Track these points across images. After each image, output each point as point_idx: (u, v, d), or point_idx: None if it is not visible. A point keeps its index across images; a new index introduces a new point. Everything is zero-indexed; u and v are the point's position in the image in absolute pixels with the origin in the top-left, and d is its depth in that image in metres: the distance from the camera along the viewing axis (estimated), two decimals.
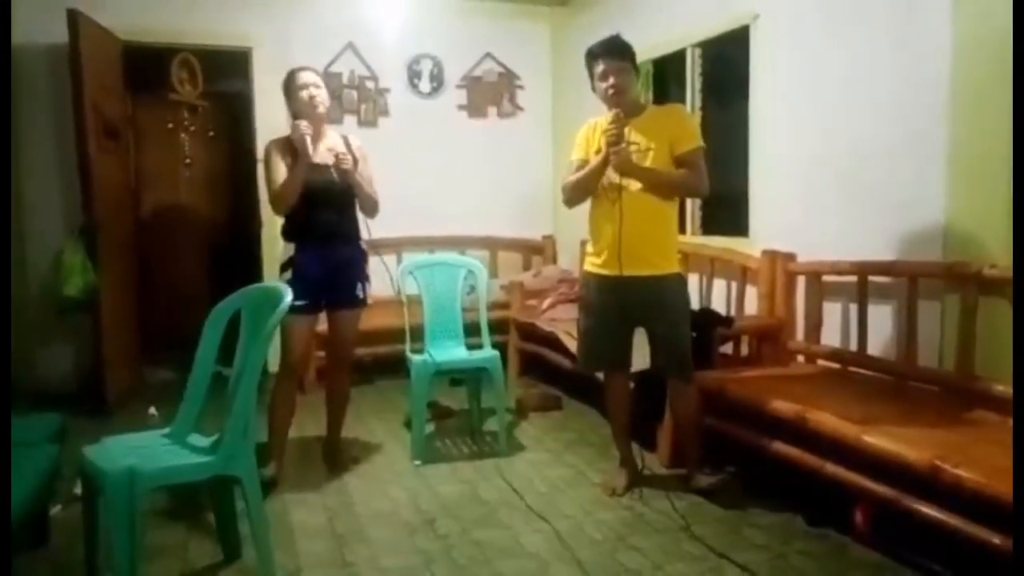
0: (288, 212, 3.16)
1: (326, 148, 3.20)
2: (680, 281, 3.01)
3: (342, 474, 3.34)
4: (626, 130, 2.83)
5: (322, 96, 3.20)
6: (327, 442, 3.50)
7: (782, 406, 2.76)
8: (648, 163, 2.87)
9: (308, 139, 3.07)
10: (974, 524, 2.08)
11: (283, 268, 3.21)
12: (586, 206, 3.08)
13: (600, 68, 2.90)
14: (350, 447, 3.65)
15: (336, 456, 3.46)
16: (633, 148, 2.86)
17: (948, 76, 2.82)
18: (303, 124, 3.08)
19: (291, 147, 3.15)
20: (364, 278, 3.35)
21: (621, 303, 2.93)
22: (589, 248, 3.09)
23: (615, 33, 3.01)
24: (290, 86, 3.20)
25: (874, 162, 3.22)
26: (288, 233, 3.24)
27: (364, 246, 3.37)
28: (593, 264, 3.04)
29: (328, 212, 3.18)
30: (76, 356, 4.73)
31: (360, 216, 3.35)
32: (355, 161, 3.24)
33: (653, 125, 2.91)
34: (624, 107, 2.86)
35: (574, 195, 3.04)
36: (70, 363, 4.75)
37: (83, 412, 4.04)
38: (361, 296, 3.33)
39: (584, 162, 3.01)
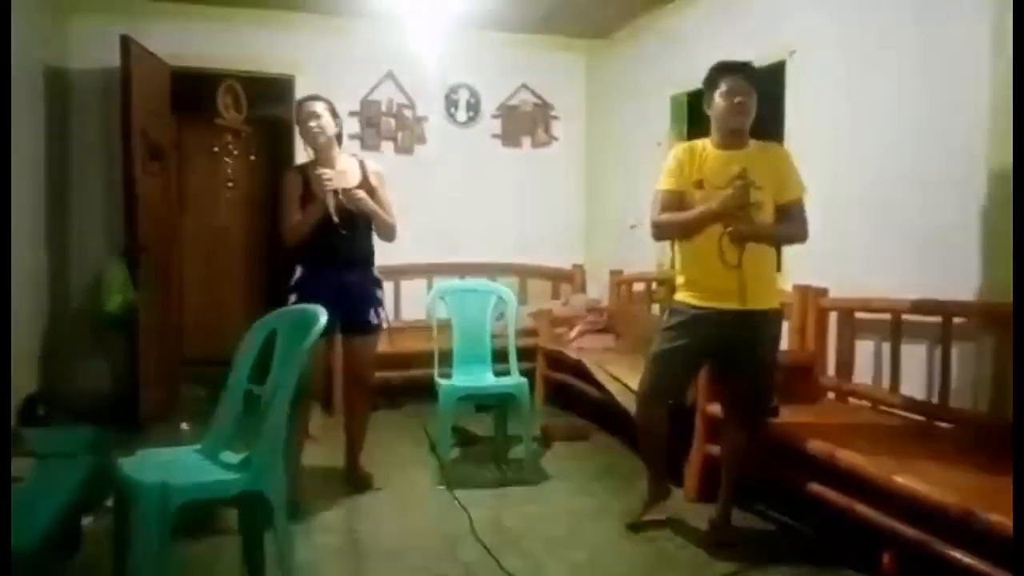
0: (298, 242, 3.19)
1: (338, 172, 3.19)
2: (782, 318, 2.93)
3: (366, 497, 3.36)
4: (753, 184, 2.67)
5: (323, 125, 3.20)
6: (348, 465, 3.51)
7: (813, 444, 2.73)
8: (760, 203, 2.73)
9: (331, 195, 3.08)
10: (1004, 571, 2.04)
11: (289, 291, 3.20)
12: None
13: (728, 85, 2.72)
14: (373, 469, 3.66)
15: (356, 479, 3.46)
16: (758, 199, 2.69)
17: (986, 112, 2.81)
18: (325, 175, 3.08)
19: (304, 177, 3.18)
20: (377, 303, 3.33)
21: (718, 337, 2.77)
22: (687, 282, 2.85)
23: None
24: (297, 117, 3.26)
25: (909, 198, 3.20)
26: (297, 256, 3.24)
27: (376, 272, 3.37)
28: (695, 298, 2.80)
29: (338, 237, 3.15)
30: (113, 371, 4.83)
31: (376, 241, 3.36)
32: (371, 188, 3.25)
33: (761, 163, 2.75)
34: (740, 134, 2.76)
35: (673, 235, 2.91)
36: (107, 378, 4.85)
37: (118, 426, 4.11)
38: (375, 322, 3.31)
39: (676, 195, 2.79)
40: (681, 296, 2.87)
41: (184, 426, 4.18)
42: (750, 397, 2.87)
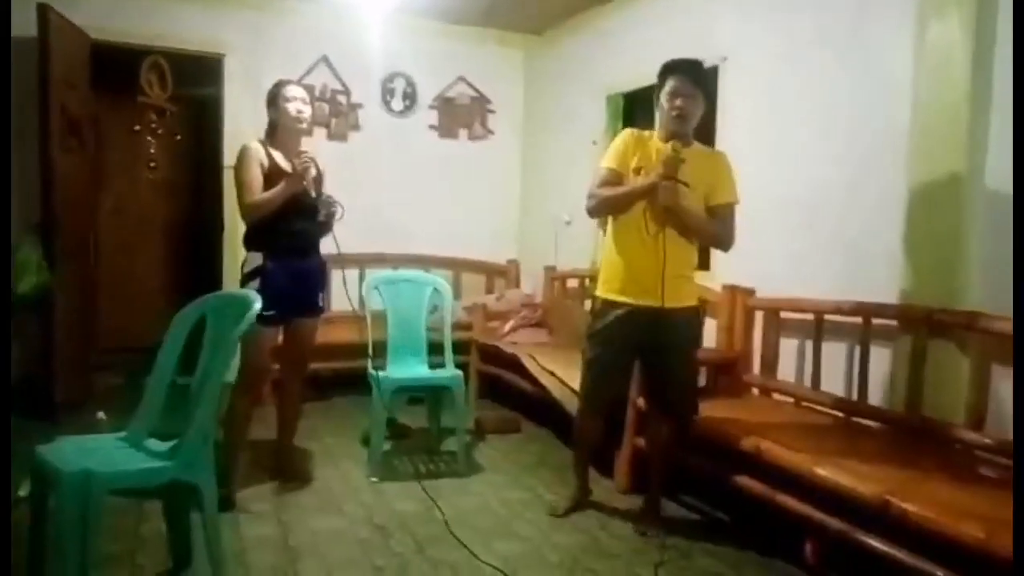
0: (258, 222, 3.14)
1: (311, 160, 3.17)
2: (702, 315, 3.01)
3: (296, 488, 3.29)
4: (682, 164, 2.71)
5: (307, 112, 3.24)
6: (278, 454, 3.44)
7: (737, 437, 2.82)
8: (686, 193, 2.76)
9: (310, 175, 3.08)
10: (921, 558, 2.15)
11: (249, 277, 3.15)
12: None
13: (672, 85, 2.78)
14: (304, 461, 3.60)
15: (287, 468, 3.41)
16: (683, 185, 2.73)
17: (907, 122, 2.95)
18: (307, 156, 3.11)
19: (267, 156, 3.13)
20: (324, 287, 3.39)
21: (645, 333, 2.83)
22: (608, 276, 2.93)
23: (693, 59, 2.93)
24: (276, 97, 3.20)
25: (834, 203, 3.34)
26: (254, 242, 3.18)
27: (323, 257, 3.37)
28: (616, 291, 2.88)
29: (300, 222, 3.17)
30: (23, 356, 4.56)
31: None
32: (322, 178, 3.26)
33: (696, 166, 2.79)
34: (682, 136, 2.79)
35: (604, 208, 2.91)
36: (16, 363, 4.59)
37: (28, 413, 3.92)
38: (321, 304, 3.37)
39: (616, 173, 2.85)
40: (602, 292, 2.94)
41: (101, 415, 4.01)
42: (672, 394, 2.95)
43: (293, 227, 3.15)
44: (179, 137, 5.98)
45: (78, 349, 4.59)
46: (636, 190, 2.79)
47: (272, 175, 3.11)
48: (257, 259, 3.14)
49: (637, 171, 2.83)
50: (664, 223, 2.76)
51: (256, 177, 3.09)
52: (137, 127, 5.53)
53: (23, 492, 2.75)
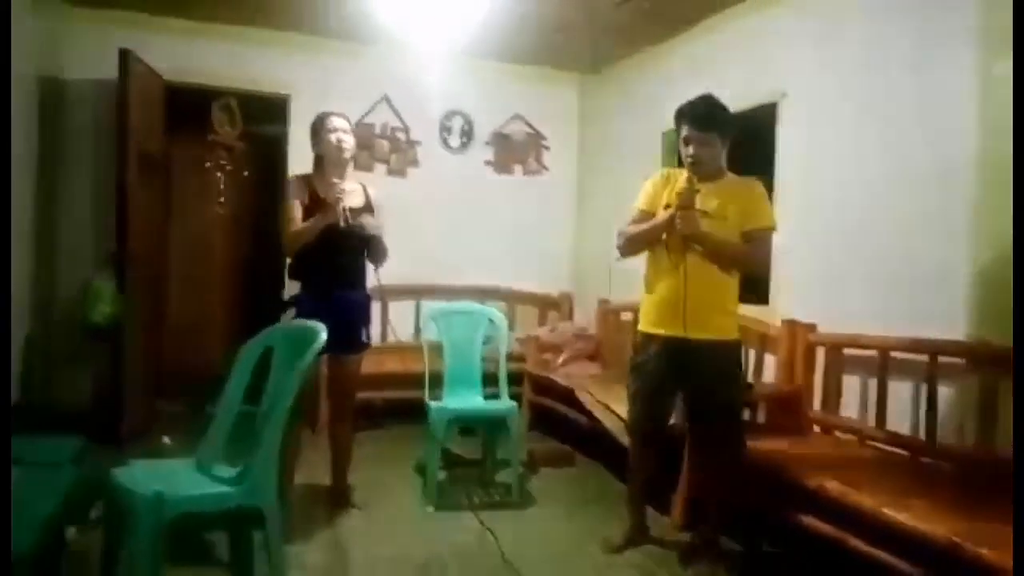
0: (299, 253, 3.19)
1: (343, 191, 3.18)
2: (738, 349, 2.97)
3: (355, 517, 3.33)
4: (698, 197, 2.77)
5: (350, 143, 3.26)
6: (333, 488, 3.47)
7: (800, 476, 2.77)
8: (720, 232, 2.82)
9: (342, 205, 3.07)
10: None
11: (286, 306, 3.21)
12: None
13: (684, 133, 2.87)
14: (360, 490, 3.63)
15: (342, 500, 3.42)
16: (703, 214, 2.79)
17: (974, 155, 2.91)
18: (339, 187, 3.10)
19: (310, 187, 3.18)
20: (367, 322, 3.35)
21: (676, 365, 2.87)
22: (645, 310, 3.01)
23: (706, 94, 2.94)
24: (319, 128, 3.26)
25: (897, 237, 3.29)
26: (295, 272, 3.25)
27: (368, 291, 3.38)
28: (649, 323, 2.97)
29: (338, 256, 3.19)
30: (94, 382, 4.75)
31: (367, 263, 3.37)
32: (371, 212, 3.28)
33: (729, 195, 2.86)
34: (700, 175, 2.83)
35: (632, 246, 2.98)
36: (87, 388, 4.78)
37: (96, 437, 4.05)
38: (364, 340, 3.33)
39: (647, 214, 2.95)
40: (641, 326, 3.02)
41: (166, 440, 4.14)
42: (705, 428, 2.95)
43: (332, 260, 3.16)
44: (247, 174, 6.19)
45: (146, 376, 4.75)
46: (657, 224, 2.87)
47: (315, 207, 3.14)
48: (294, 289, 3.21)
49: (666, 207, 2.89)
50: (684, 252, 2.81)
51: (294, 208, 3.14)
52: (207, 163, 5.76)
53: (94, 515, 2.85)
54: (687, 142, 2.86)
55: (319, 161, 3.29)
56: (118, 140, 4.39)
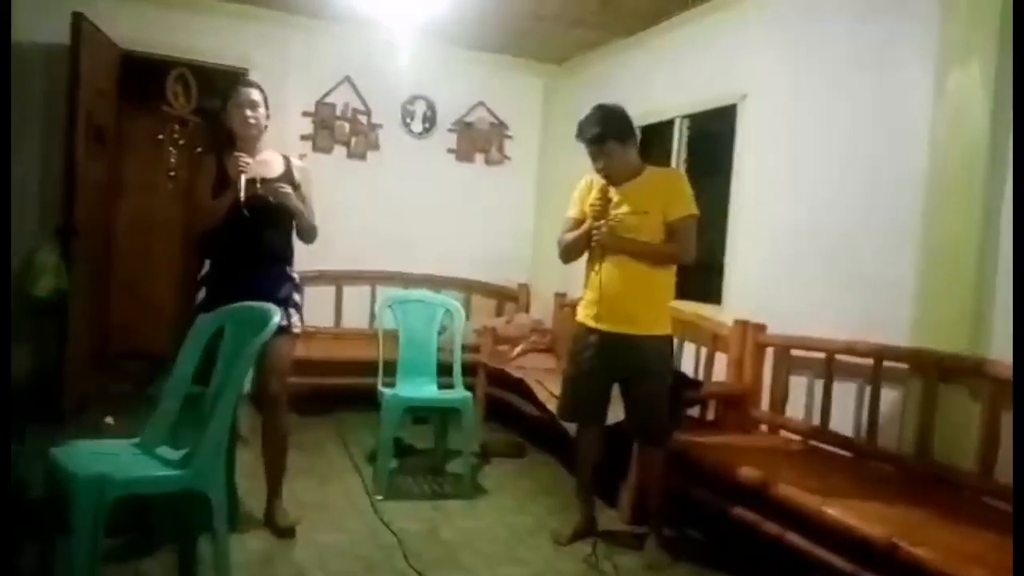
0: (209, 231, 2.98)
1: (258, 161, 3.00)
2: (665, 343, 3.04)
3: (302, 503, 3.28)
4: (612, 203, 2.93)
5: (259, 116, 3.02)
6: (268, 500, 3.04)
7: (746, 472, 2.82)
8: (642, 227, 2.92)
9: (244, 178, 2.87)
10: None
11: (198, 285, 3.03)
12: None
13: (588, 151, 3.00)
14: (310, 477, 3.59)
15: (275, 520, 2.99)
16: (624, 213, 2.93)
17: (925, 166, 2.99)
18: (243, 159, 2.90)
19: (221, 162, 3.00)
20: (291, 304, 3.03)
21: (603, 356, 2.98)
22: (582, 302, 3.14)
23: (597, 105, 3.03)
24: (228, 99, 3.04)
25: (850, 243, 3.37)
26: (204, 248, 3.04)
27: (292, 272, 3.12)
28: (581, 314, 3.10)
29: (249, 230, 2.94)
30: (34, 357, 4.60)
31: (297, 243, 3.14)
32: (293, 183, 3.05)
33: (648, 189, 2.97)
34: (617, 182, 2.96)
35: (566, 254, 3.14)
36: (27, 364, 4.62)
37: (36, 414, 3.93)
38: (284, 324, 2.88)
39: (577, 221, 3.07)
40: (578, 313, 3.16)
41: (109, 420, 4.04)
42: (635, 419, 3.04)
43: (238, 233, 2.94)
44: (200, 149, 6.04)
45: (89, 354, 4.62)
46: (579, 236, 3.03)
47: (224, 182, 2.95)
48: (206, 267, 3.03)
49: (591, 207, 3.02)
50: (602, 258, 2.98)
51: (203, 187, 3.00)
52: (160, 136, 5.60)
53: (32, 495, 2.76)
54: (593, 158, 2.99)
55: (231, 137, 3.05)
56: (68, 109, 4.24)
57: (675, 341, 4.17)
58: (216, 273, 3.01)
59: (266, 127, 3.09)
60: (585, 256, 3.11)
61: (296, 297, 3.09)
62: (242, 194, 2.87)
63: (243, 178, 2.88)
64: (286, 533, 2.96)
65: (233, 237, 2.95)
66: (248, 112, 3.00)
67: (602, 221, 2.92)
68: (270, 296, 2.82)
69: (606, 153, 2.95)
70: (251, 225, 2.93)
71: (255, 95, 3.05)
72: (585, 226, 2.99)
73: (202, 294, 3.00)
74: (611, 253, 2.96)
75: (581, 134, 2.99)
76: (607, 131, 2.94)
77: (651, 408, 2.99)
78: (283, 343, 2.95)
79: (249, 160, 2.93)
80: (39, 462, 2.36)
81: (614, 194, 2.95)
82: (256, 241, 2.98)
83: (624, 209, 2.94)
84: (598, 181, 3.03)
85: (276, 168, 3.08)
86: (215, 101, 5.65)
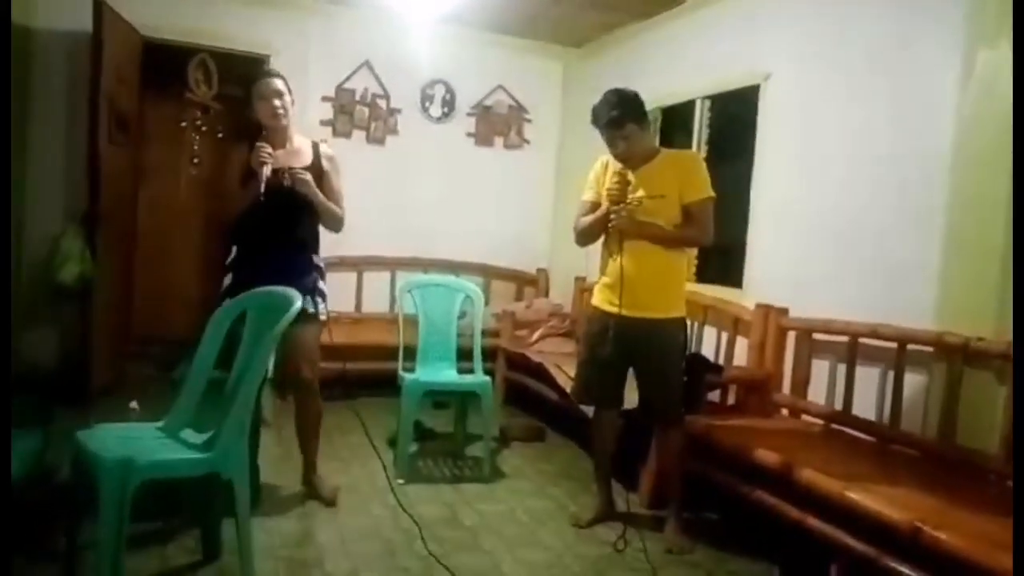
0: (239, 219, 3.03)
1: (287, 151, 3.07)
2: (679, 326, 3.04)
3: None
4: (630, 186, 2.90)
5: (285, 105, 3.06)
6: (304, 473, 3.24)
7: (767, 456, 2.81)
8: (659, 211, 2.91)
9: (266, 169, 2.89)
10: None
11: (224, 271, 3.07)
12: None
13: (604, 137, 2.98)
14: (331, 460, 3.62)
15: (321, 492, 3.18)
16: (640, 197, 2.91)
17: (949, 149, 2.93)
18: (264, 150, 2.92)
19: (249, 149, 2.99)
20: (315, 292, 3.09)
21: (619, 340, 2.97)
22: (597, 286, 3.14)
23: (611, 90, 3.01)
24: (252, 93, 3.07)
25: (873, 226, 3.32)
26: (233, 234, 3.09)
27: (317, 260, 3.17)
28: (598, 299, 3.09)
29: (274, 217, 2.99)
30: (60, 343, 4.68)
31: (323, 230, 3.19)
32: (320, 171, 3.10)
33: (665, 172, 2.96)
34: (633, 165, 2.94)
35: (583, 238, 3.13)
36: (53, 349, 4.70)
37: (62, 399, 4.00)
38: (310, 311, 3.00)
39: (594, 204, 3.05)
40: (594, 298, 3.15)
41: (133, 404, 4.08)
42: (648, 401, 3.04)
43: (264, 220, 2.98)
44: (222, 135, 6.08)
45: (114, 339, 4.69)
46: (596, 220, 3.00)
47: (251, 172, 2.96)
48: (233, 253, 3.08)
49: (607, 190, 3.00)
50: (621, 240, 2.94)
51: (231, 176, 3.04)
52: (182, 123, 5.64)
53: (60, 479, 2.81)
54: (609, 143, 2.96)
55: (259, 127, 3.08)
56: (91, 96, 4.28)
57: (696, 325, 4.20)
58: (242, 259, 3.05)
59: (293, 114, 3.13)
60: (601, 240, 3.09)
61: (321, 284, 3.14)
62: (263, 185, 2.89)
63: (265, 168, 2.90)
64: (332, 502, 3.15)
65: (260, 224, 3.00)
66: (275, 102, 3.04)
67: (620, 205, 2.90)
68: (295, 282, 2.82)
69: (625, 136, 2.93)
70: (277, 213, 2.98)
71: (279, 84, 3.08)
72: (602, 210, 2.97)
73: (228, 279, 3.04)
74: (629, 238, 2.93)
75: (597, 119, 2.97)
76: (626, 113, 2.93)
77: (664, 387, 3.00)
78: (310, 330, 3.04)
79: (270, 150, 2.94)
80: (66, 445, 2.40)
81: (631, 177, 2.93)
82: (282, 228, 3.03)
83: (641, 193, 2.93)
84: (614, 163, 3.02)
85: (305, 157, 3.13)
86: (237, 88, 5.73)
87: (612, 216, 2.91)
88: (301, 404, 3.20)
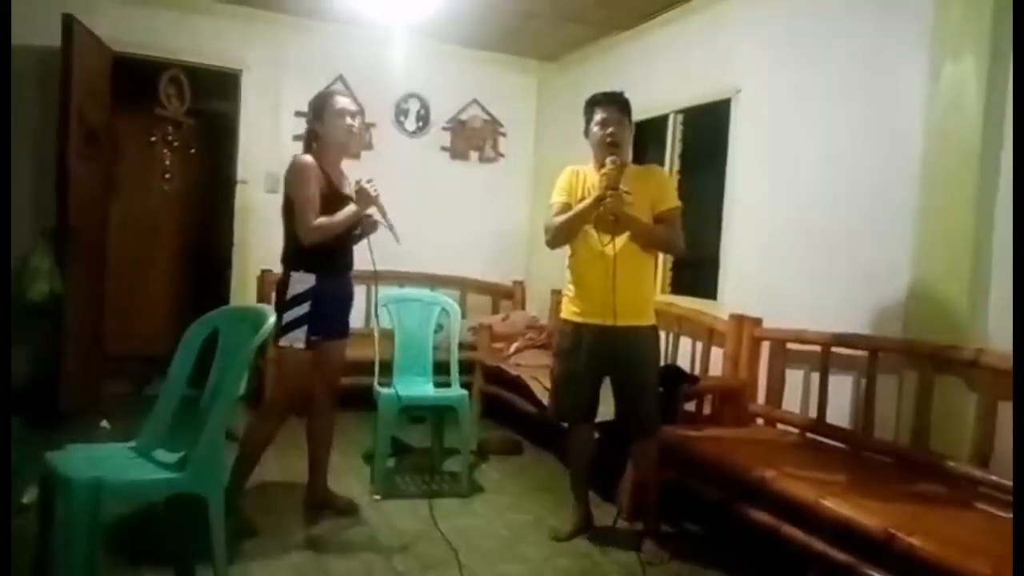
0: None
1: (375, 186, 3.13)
2: (652, 334, 3.06)
3: (299, 504, 3.28)
4: (625, 169, 2.94)
5: (358, 124, 3.14)
6: (314, 487, 3.25)
7: (743, 466, 2.83)
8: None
9: (380, 199, 3.04)
10: None
11: (295, 301, 2.95)
12: (564, 252, 3.13)
13: (600, 116, 2.98)
14: (306, 476, 3.58)
15: (338, 503, 3.24)
16: (628, 191, 2.88)
17: (919, 159, 2.98)
18: (371, 186, 3.02)
19: (325, 175, 3.00)
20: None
21: (593, 352, 2.97)
22: (569, 295, 3.11)
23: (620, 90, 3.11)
24: (325, 109, 3.02)
25: (843, 236, 3.37)
26: (306, 263, 2.97)
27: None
28: (574, 312, 3.05)
29: (348, 243, 3.13)
30: (30, 361, 4.59)
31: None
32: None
33: (635, 184, 2.95)
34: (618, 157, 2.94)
35: (559, 236, 3.04)
36: (23, 368, 4.60)
37: (32, 419, 3.93)
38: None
39: (567, 206, 3.03)
40: (565, 311, 3.12)
41: (104, 424, 4.03)
42: (628, 413, 3.04)
43: (346, 247, 3.12)
44: (194, 151, 6.05)
45: (85, 357, 4.61)
46: (584, 207, 2.92)
47: (330, 196, 2.98)
48: (307, 281, 2.97)
49: (580, 201, 2.99)
50: (613, 236, 2.90)
51: (316, 196, 2.92)
52: (153, 138, 5.59)
53: (27, 499, 2.76)
54: (605, 124, 2.97)
55: (315, 144, 3.05)
56: (61, 112, 4.23)
57: (671, 336, 4.22)
58: (327, 287, 3.03)
59: None
60: (567, 252, 3.09)
61: None
62: (391, 223, 3.09)
63: (380, 198, 3.05)
64: (352, 509, 3.23)
65: (343, 251, 3.12)
66: (349, 121, 3.07)
67: (616, 190, 2.82)
68: (352, 303, 3.20)
69: (623, 124, 2.99)
70: (351, 238, 3.12)
71: (353, 104, 3.15)
72: (593, 195, 2.88)
73: (306, 308, 2.97)
74: (621, 224, 2.87)
75: (604, 100, 3.01)
76: (625, 106, 3.03)
77: (643, 399, 3.00)
78: (343, 346, 3.23)
79: (372, 185, 3.05)
80: (35, 466, 2.35)
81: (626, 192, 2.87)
82: (350, 253, 3.18)
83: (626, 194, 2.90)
84: (584, 171, 3.04)
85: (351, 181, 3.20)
86: (210, 102, 5.70)
87: (608, 198, 2.81)
88: (320, 417, 3.26)
